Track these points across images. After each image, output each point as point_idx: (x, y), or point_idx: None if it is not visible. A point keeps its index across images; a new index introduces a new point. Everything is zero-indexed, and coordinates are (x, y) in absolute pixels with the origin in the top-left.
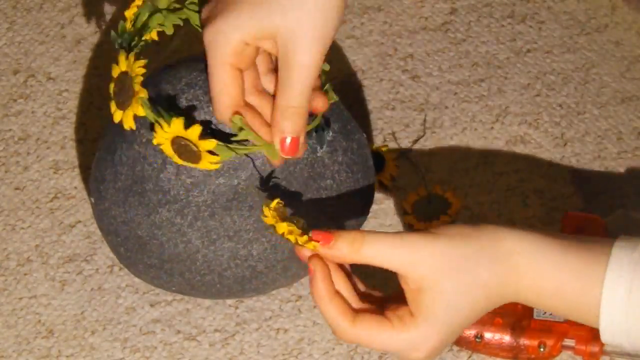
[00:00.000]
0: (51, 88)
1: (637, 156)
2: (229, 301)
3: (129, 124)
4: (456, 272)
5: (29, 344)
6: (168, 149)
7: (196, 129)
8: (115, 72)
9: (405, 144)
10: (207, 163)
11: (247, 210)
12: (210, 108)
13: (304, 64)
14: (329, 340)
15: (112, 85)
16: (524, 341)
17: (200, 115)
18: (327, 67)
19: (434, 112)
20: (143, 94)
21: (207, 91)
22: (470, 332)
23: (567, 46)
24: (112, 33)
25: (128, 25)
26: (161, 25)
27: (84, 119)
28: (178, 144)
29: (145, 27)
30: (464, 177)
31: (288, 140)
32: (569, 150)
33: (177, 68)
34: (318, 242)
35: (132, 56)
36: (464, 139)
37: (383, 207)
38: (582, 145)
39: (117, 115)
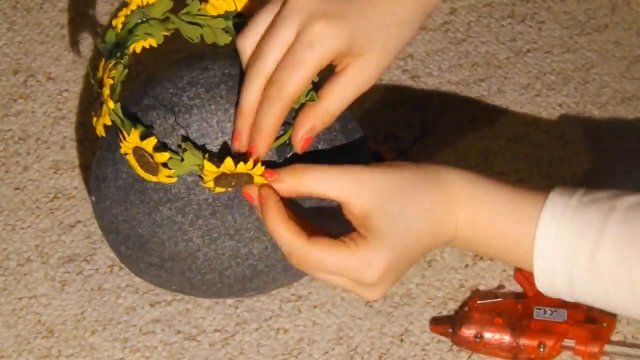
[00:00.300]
0: (51, 88)
1: (638, 156)
2: (229, 301)
3: (100, 131)
4: (400, 195)
5: (29, 344)
6: (132, 160)
7: (151, 141)
8: (96, 79)
9: (405, 144)
10: (164, 177)
11: (248, 208)
12: (212, 106)
13: (358, 81)
14: (329, 340)
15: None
16: (524, 341)
17: (201, 113)
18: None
19: (434, 112)
20: (111, 104)
21: (208, 89)
22: (470, 332)
23: (567, 46)
24: (98, 41)
25: (114, 33)
26: (148, 34)
27: (84, 119)
28: (138, 154)
29: (131, 36)
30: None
31: (305, 138)
32: (569, 150)
33: (179, 66)
34: (263, 176)
35: (109, 64)
36: (464, 139)
37: None
38: (582, 145)
39: (93, 121)
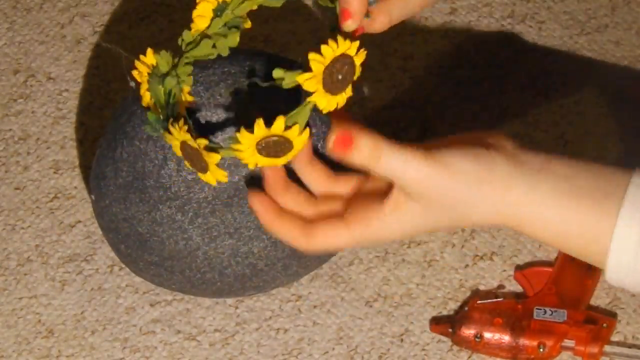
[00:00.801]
0: (51, 88)
1: (638, 156)
2: (229, 301)
3: (223, 177)
4: (450, 207)
5: (29, 344)
6: (258, 159)
7: (280, 121)
8: (176, 148)
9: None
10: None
11: (248, 206)
12: (212, 104)
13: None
14: (329, 340)
15: (185, 161)
16: (524, 341)
17: (201, 111)
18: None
19: (434, 112)
20: (211, 157)
21: (207, 87)
22: (470, 332)
23: (567, 46)
24: (147, 127)
25: (154, 112)
26: (178, 84)
27: (84, 119)
28: (265, 145)
29: (170, 96)
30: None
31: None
32: (569, 150)
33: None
34: (339, 144)
35: (180, 127)
36: None
37: None
38: (582, 145)
39: (211, 179)
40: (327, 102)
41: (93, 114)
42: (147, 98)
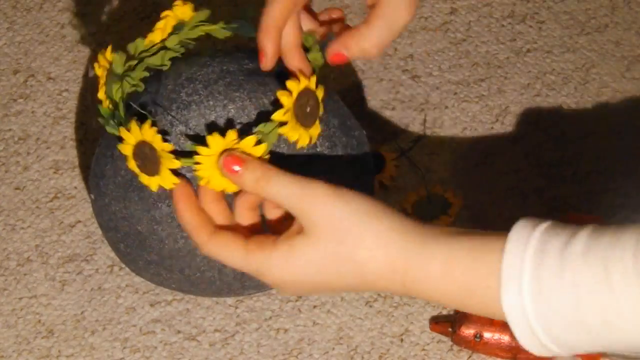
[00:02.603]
0: (51, 88)
1: (638, 156)
2: (229, 301)
3: (171, 183)
4: (337, 242)
5: (29, 344)
6: (218, 179)
7: (233, 133)
8: (126, 149)
9: (405, 144)
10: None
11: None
12: (210, 102)
13: (402, 22)
14: (329, 340)
15: (131, 161)
16: None
17: (199, 109)
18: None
19: (434, 112)
20: (167, 147)
21: (206, 85)
22: (470, 332)
23: (567, 46)
24: (100, 120)
25: (106, 105)
26: (134, 86)
27: (84, 119)
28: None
29: (123, 94)
30: (464, 177)
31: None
32: (569, 150)
33: (177, 63)
34: (227, 168)
35: (147, 125)
36: (464, 139)
37: None
38: (582, 144)
39: (153, 184)
40: (301, 135)
41: (93, 114)
42: (102, 91)
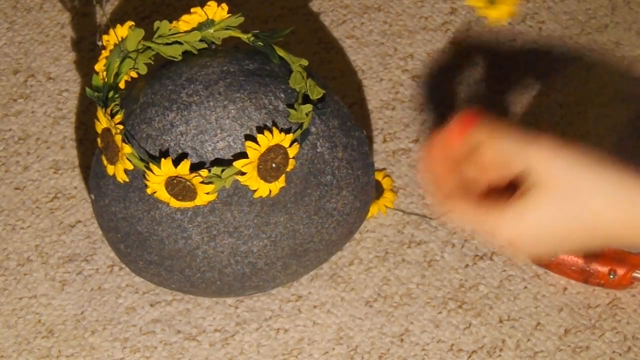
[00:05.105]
0: (51, 88)
1: (638, 156)
2: (229, 301)
3: (122, 177)
4: (572, 194)
5: (29, 344)
6: (164, 195)
7: (186, 163)
8: (99, 128)
9: (405, 143)
10: (203, 196)
11: (247, 205)
12: (211, 103)
13: None
14: (329, 340)
15: (99, 140)
16: (596, 266)
17: (199, 109)
18: (305, 62)
19: (434, 112)
20: (127, 149)
21: (206, 86)
22: None
23: (567, 46)
24: (87, 90)
25: (100, 78)
26: (133, 68)
27: (84, 119)
28: (171, 184)
29: (118, 76)
30: None
31: None
32: None
33: (178, 64)
34: (462, 127)
35: (109, 113)
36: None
37: None
38: (582, 145)
39: (110, 170)
40: (260, 187)
41: (93, 114)
42: (101, 64)
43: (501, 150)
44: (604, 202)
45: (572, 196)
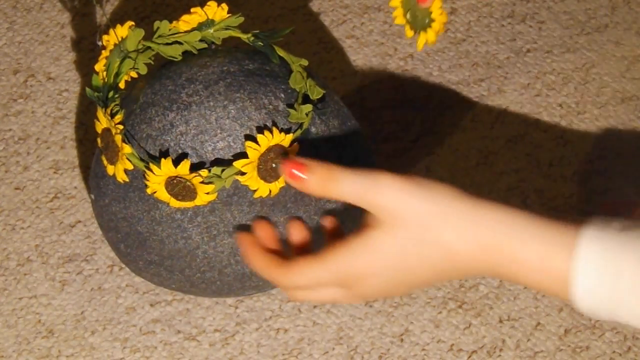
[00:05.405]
0: (51, 88)
1: (637, 156)
2: (229, 301)
3: (122, 177)
4: (420, 227)
5: (29, 344)
6: (163, 195)
7: (186, 163)
8: (98, 128)
9: (405, 144)
10: (203, 196)
11: (247, 205)
12: (211, 103)
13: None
14: (329, 340)
15: (99, 140)
16: None
17: (199, 109)
18: (305, 62)
19: (434, 112)
20: (127, 149)
21: (207, 86)
22: None
23: (567, 46)
24: (87, 89)
25: (100, 78)
26: (133, 69)
27: (84, 119)
28: (171, 184)
29: (118, 76)
30: (464, 177)
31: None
32: (569, 150)
33: (178, 64)
34: (289, 172)
35: (109, 113)
36: (464, 139)
37: None
38: (582, 144)
39: (110, 170)
40: (260, 187)
41: (93, 114)
42: (101, 64)
43: (343, 194)
44: (454, 236)
45: (422, 229)
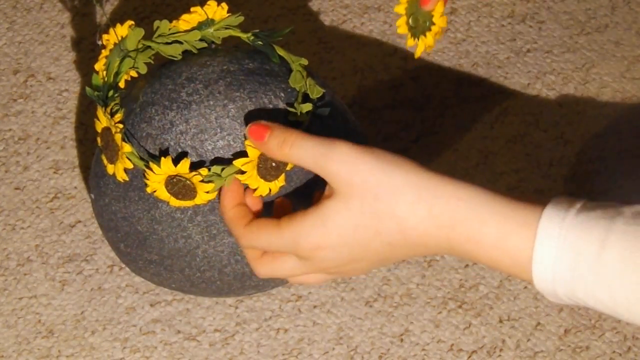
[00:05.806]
0: (51, 88)
1: (638, 156)
2: (229, 301)
3: (122, 177)
4: (373, 198)
5: (29, 344)
6: (163, 194)
7: (186, 162)
8: (98, 127)
9: (405, 144)
10: (203, 195)
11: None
12: (211, 102)
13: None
14: (329, 340)
15: (98, 139)
16: None
17: (199, 109)
18: (305, 62)
19: (434, 112)
20: (127, 148)
21: (206, 85)
22: None
23: (567, 46)
24: (87, 89)
25: (100, 77)
26: (133, 68)
27: (84, 119)
28: (170, 183)
29: (118, 75)
30: (464, 177)
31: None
32: (569, 150)
33: (177, 63)
34: (254, 135)
35: (108, 112)
36: (464, 139)
37: None
38: (582, 144)
39: (110, 169)
40: (260, 186)
41: (93, 114)
42: (101, 63)
43: (299, 158)
44: (408, 208)
45: (375, 200)
